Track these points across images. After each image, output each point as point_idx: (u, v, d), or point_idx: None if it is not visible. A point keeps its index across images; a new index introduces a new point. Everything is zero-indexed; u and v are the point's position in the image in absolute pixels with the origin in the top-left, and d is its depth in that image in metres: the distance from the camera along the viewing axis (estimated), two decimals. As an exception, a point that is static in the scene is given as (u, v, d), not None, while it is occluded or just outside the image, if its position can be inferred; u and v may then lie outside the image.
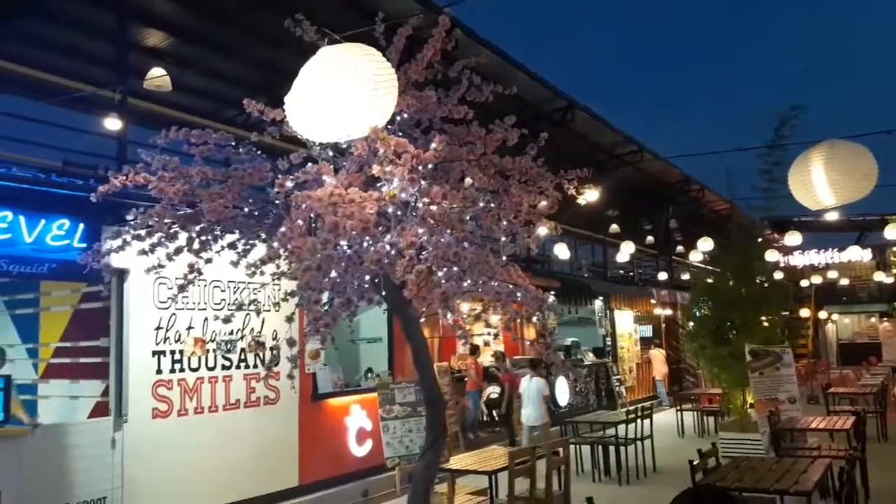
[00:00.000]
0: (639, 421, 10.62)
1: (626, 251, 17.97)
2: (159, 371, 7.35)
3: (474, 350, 12.31)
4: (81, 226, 6.44)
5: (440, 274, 3.53)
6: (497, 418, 12.89)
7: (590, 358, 16.47)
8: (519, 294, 3.73)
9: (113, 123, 7.04)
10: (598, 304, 17.10)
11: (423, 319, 4.48)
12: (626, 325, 18.60)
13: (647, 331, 20.08)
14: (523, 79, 11.46)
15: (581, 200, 8.89)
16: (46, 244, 6.24)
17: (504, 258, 3.68)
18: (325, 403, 9.33)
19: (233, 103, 9.63)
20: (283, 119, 3.66)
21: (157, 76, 6.75)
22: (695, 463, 6.00)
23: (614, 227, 18.77)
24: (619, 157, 16.46)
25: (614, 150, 16.33)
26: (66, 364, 7.70)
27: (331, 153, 3.91)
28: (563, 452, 7.13)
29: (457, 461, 7.38)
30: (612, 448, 9.98)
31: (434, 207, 3.32)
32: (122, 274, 6.98)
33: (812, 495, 5.53)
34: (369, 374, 10.58)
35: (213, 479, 7.72)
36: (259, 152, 4.08)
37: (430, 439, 4.60)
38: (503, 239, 3.69)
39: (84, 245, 6.34)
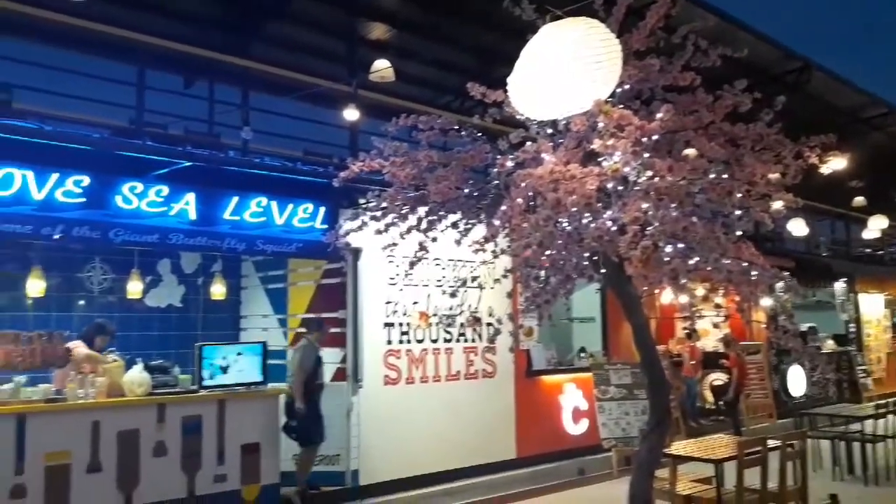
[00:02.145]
0: (890, 416, 9.41)
1: (875, 226, 15.81)
2: (389, 342, 7.94)
3: (691, 334, 11.68)
4: (322, 209, 7.12)
5: (667, 250, 3.39)
6: (724, 406, 12.13)
7: (829, 345, 14.88)
8: (754, 273, 3.47)
9: (350, 114, 7.66)
10: (839, 286, 15.32)
11: (642, 298, 4.36)
12: (875, 309, 16.44)
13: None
14: (750, 40, 10.53)
15: (825, 170, 7.96)
16: (293, 226, 6.99)
17: (736, 234, 3.44)
18: (540, 380, 9.45)
19: (449, 90, 10.01)
20: (503, 101, 3.73)
21: (382, 68, 7.22)
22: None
23: (859, 200, 16.60)
24: (864, 121, 14.55)
25: (859, 114, 14.46)
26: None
27: (549, 131, 3.92)
28: (800, 446, 6.56)
29: (679, 447, 7.08)
30: (856, 445, 8.96)
31: (658, 180, 3.19)
32: (357, 252, 7.63)
33: None
34: (582, 354, 10.51)
35: (436, 445, 8.19)
36: (479, 135, 4.21)
37: (653, 422, 4.48)
38: (736, 213, 3.45)
39: (325, 226, 7.02)
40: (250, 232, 6.75)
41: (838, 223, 17.91)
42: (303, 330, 7.26)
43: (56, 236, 5.73)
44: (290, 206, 6.95)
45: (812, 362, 12.85)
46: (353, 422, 7.60)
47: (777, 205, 3.55)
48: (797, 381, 13.23)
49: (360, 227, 4.64)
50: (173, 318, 9.03)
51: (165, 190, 6.23)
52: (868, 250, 18.53)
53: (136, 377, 6.47)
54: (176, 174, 6.34)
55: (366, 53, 8.07)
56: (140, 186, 6.11)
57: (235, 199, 6.61)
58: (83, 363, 6.62)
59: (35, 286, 7.32)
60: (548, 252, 3.79)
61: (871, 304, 16.34)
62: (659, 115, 3.26)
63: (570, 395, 9.65)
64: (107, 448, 6.03)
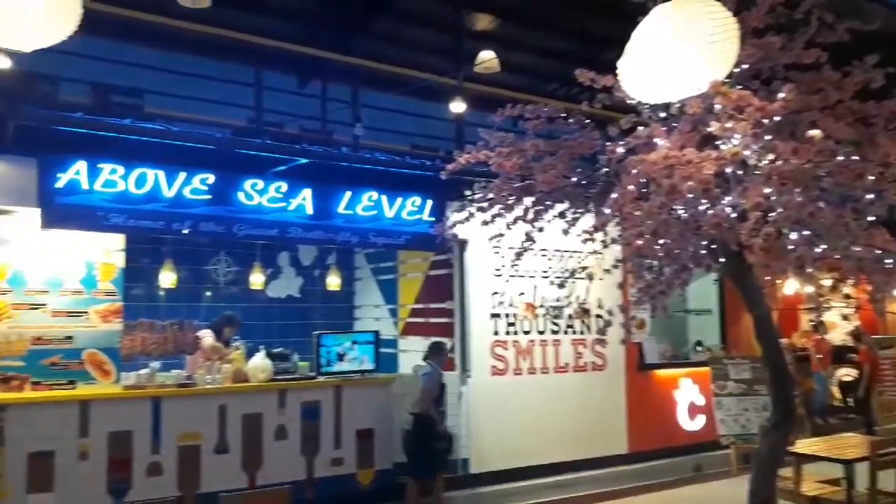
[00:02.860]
0: None
1: None
2: (496, 332, 7.97)
3: (818, 327, 10.98)
4: (430, 202, 7.24)
5: (792, 237, 3.19)
6: (853, 403, 11.34)
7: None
8: (888, 261, 3.21)
9: (456, 107, 7.73)
10: None
11: (764, 289, 4.14)
12: None
13: None
14: (880, 11, 9.70)
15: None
16: (403, 218, 7.15)
17: (868, 219, 3.19)
18: (653, 374, 9.20)
19: (554, 78, 9.86)
20: (613, 86, 3.64)
21: (487, 59, 7.22)
22: None
23: None
24: None
25: None
26: (420, 323, 8.76)
27: (662, 115, 3.79)
28: (946, 449, 6.04)
29: (804, 446, 6.70)
30: None
31: (781, 164, 3.00)
32: (463, 244, 7.71)
33: None
34: (699, 348, 10.12)
35: (545, 437, 8.15)
36: (587, 121, 4.13)
37: (775, 418, 4.24)
38: (867, 197, 3.20)
39: (432, 219, 7.14)
40: (362, 225, 6.97)
41: None
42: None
43: (185, 231, 6.14)
44: (399, 200, 7.11)
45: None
46: (463, 410, 7.69)
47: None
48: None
49: (466, 219, 4.67)
50: (292, 308, 9.48)
51: (284, 186, 6.54)
52: None
53: (259, 364, 6.84)
54: (293, 171, 6.64)
55: (471, 45, 8.09)
56: (261, 183, 6.44)
57: (348, 194, 6.85)
58: (209, 352, 7.08)
59: (167, 278, 7.90)
60: (662, 241, 3.67)
61: None
62: (781, 95, 3.07)
63: (686, 390, 9.35)
64: (233, 430, 6.43)
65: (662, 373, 9.26)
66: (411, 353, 8.83)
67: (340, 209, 6.83)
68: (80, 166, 5.66)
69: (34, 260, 5.82)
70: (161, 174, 5.97)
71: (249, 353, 7.09)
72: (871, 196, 3.20)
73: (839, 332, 12.00)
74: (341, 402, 6.91)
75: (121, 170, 5.82)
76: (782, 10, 3.45)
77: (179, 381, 6.47)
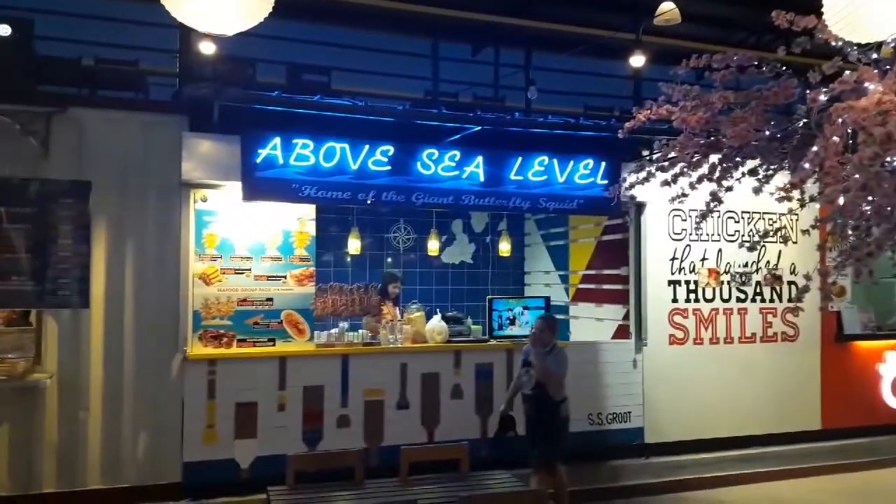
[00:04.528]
0: None
1: None
2: (675, 300, 7.66)
3: None
4: (603, 164, 7.05)
5: None
6: None
7: None
8: None
9: (636, 61, 7.41)
10: None
11: None
12: None
13: None
14: None
15: None
16: (574, 182, 7.03)
17: None
18: (853, 346, 8.44)
19: (741, 26, 9.13)
20: (815, 27, 3.31)
21: (668, 10, 6.83)
22: None
23: None
24: None
25: None
26: (592, 290, 8.64)
27: (874, 56, 3.39)
28: None
29: None
30: None
31: None
32: (640, 207, 7.45)
33: None
34: (911, 318, 9.09)
35: (729, 410, 7.78)
36: (783, 69, 3.80)
37: None
38: None
39: (605, 182, 6.96)
40: (534, 190, 6.95)
41: None
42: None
43: (369, 201, 6.47)
44: (571, 163, 6.97)
45: None
46: (638, 380, 7.51)
47: None
48: None
49: (645, 180, 4.50)
50: (465, 273, 9.75)
51: (458, 155, 6.67)
52: None
53: (437, 326, 7.13)
54: (466, 139, 6.75)
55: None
56: (436, 153, 6.61)
57: (519, 160, 6.84)
58: (386, 315, 7.50)
59: (353, 245, 8.42)
60: (871, 198, 3.32)
61: None
62: None
63: (892, 364, 8.46)
64: (412, 388, 6.78)
65: (864, 344, 8.47)
66: (583, 320, 8.77)
67: (512, 175, 6.84)
68: (276, 142, 6.12)
69: (239, 229, 6.42)
70: (347, 147, 6.31)
71: (427, 316, 7.39)
72: None
73: None
74: (513, 365, 7.02)
75: (311, 144, 6.22)
76: None
77: (365, 340, 6.90)
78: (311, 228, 6.64)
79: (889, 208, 3.46)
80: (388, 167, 6.45)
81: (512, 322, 7.48)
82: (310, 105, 6.20)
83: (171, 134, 6.10)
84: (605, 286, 8.28)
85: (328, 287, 8.19)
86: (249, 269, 6.43)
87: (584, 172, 7.04)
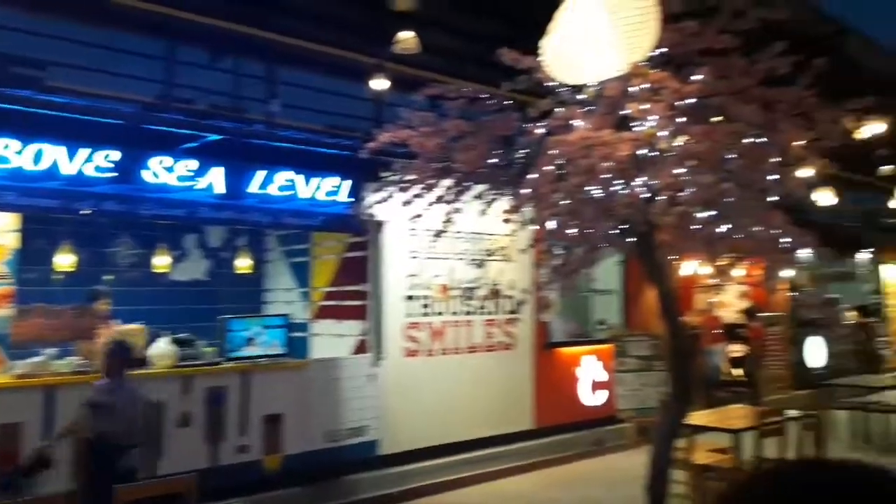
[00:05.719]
0: (910, 387, 9.46)
1: (906, 194, 15.57)
2: (411, 315, 8.00)
3: (712, 305, 11.68)
4: (347, 182, 7.14)
5: (698, 217, 3.39)
6: (743, 377, 12.15)
7: (851, 316, 14.85)
8: (784, 241, 3.48)
9: (378, 84, 7.62)
10: (863, 256, 15.23)
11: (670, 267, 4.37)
12: (898, 280, 16.37)
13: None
14: (784, 3, 10.28)
15: (862, 135, 7.83)
16: (318, 199, 7.01)
17: (770, 200, 3.43)
18: (558, 352, 9.50)
19: (474, 60, 9.90)
20: (534, 67, 3.72)
21: (407, 38, 7.17)
22: None
23: (887, 169, 16.28)
24: (896, 87, 14.27)
25: (892, 79, 14.18)
26: (334, 306, 8.67)
27: (581, 96, 3.91)
28: (819, 417, 6.60)
29: (697, 418, 7.13)
30: (874, 415, 9.00)
31: (693, 145, 3.18)
32: (380, 225, 7.67)
33: None
34: (601, 326, 10.56)
35: (457, 417, 8.27)
36: (508, 103, 4.21)
37: (676, 391, 4.51)
38: (769, 179, 3.44)
39: (349, 200, 7.06)
40: (276, 206, 6.81)
41: (864, 193, 17.67)
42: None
43: (85, 211, 5.80)
44: (316, 180, 6.96)
45: (835, 333, 12.83)
46: (375, 393, 7.69)
47: (809, 172, 3.54)
48: (817, 352, 13.23)
49: (385, 200, 4.67)
50: (199, 291, 9.16)
51: (194, 164, 6.27)
52: (893, 220, 18.28)
53: (163, 349, 6.59)
54: (204, 148, 6.38)
55: (391, 24, 8.03)
56: (169, 161, 6.15)
57: (262, 173, 6.65)
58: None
59: (65, 260, 7.43)
60: (576, 221, 3.80)
61: (894, 275, 16.25)
62: (697, 77, 3.24)
63: (588, 367, 9.71)
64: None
65: (567, 350, 9.56)
66: (325, 337, 8.75)
67: (253, 189, 6.63)
68: (-34, 139, 5.24)
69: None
70: (61, 150, 5.60)
71: (152, 339, 6.81)
72: (772, 178, 3.43)
73: (731, 309, 12.81)
74: (250, 387, 6.77)
75: (16, 145, 5.41)
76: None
77: (75, 368, 6.14)
78: (11, 241, 5.76)
79: (590, 231, 4.00)
80: (112, 174, 5.84)
81: (249, 343, 7.21)
82: (14, 100, 5.40)
83: None
84: (347, 302, 8.36)
85: (31, 308, 7.10)
86: (-74, 288, 5.37)
87: (329, 189, 7.07)
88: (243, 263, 8.97)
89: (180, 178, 6.20)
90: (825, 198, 11.98)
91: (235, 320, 7.28)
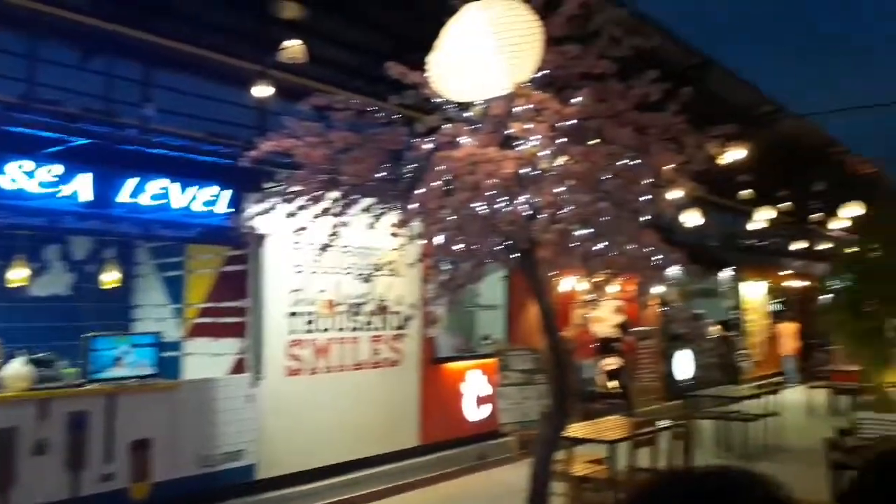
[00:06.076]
0: (765, 397, 10.23)
1: (760, 218, 16.96)
2: (294, 331, 7.77)
3: (586, 320, 12.16)
4: (226, 193, 6.85)
5: (576, 234, 3.51)
6: (617, 389, 12.70)
7: (715, 330, 15.93)
8: (656, 258, 3.66)
9: (261, 91, 7.38)
10: (725, 274, 16.42)
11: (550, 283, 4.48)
12: (756, 296, 17.76)
13: (778, 303, 19.08)
14: (655, 33, 10.88)
15: (725, 160, 8.47)
16: (194, 210, 6.69)
17: (642, 219, 3.60)
18: (444, 367, 9.55)
19: (363, 74, 9.86)
20: (422, 83, 3.73)
21: (293, 47, 7.01)
22: (833, 441, 5.70)
23: (747, 193, 17.72)
24: (755, 118, 15.53)
25: (750, 111, 15.43)
26: (210, 324, 8.28)
27: (467, 114, 3.95)
28: (686, 426, 6.98)
29: (575, 430, 7.35)
30: (735, 424, 9.66)
31: (572, 165, 3.29)
32: (261, 238, 7.40)
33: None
34: (485, 341, 10.72)
35: (339, 436, 8.09)
36: (396, 117, 4.19)
37: (556, 403, 4.61)
38: (643, 198, 3.61)
39: (228, 211, 6.77)
40: (148, 216, 6.42)
41: (726, 215, 19.09)
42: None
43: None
44: (193, 189, 6.64)
45: (700, 346, 13.70)
46: (253, 415, 7.39)
47: (678, 193, 3.76)
48: (685, 364, 14.07)
49: (267, 211, 4.51)
50: (61, 307, 8.47)
51: (59, 169, 5.80)
52: (752, 241, 19.87)
53: (17, 371, 6.04)
54: (70, 153, 5.92)
55: (277, 32, 7.83)
56: (30, 165, 5.66)
57: (133, 181, 6.25)
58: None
59: None
60: (462, 237, 3.83)
61: (753, 292, 17.61)
62: (577, 100, 3.36)
63: (473, 382, 9.81)
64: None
65: (453, 365, 9.62)
66: (199, 356, 8.33)
67: (122, 197, 6.21)
68: None
69: None
70: None
71: (6, 360, 6.23)
72: (644, 199, 3.60)
73: (607, 324, 13.39)
74: (116, 411, 6.32)
75: None
76: (578, 22, 3.77)
77: None
78: None
79: (476, 247, 4.03)
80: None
81: (116, 363, 6.73)
82: None
83: None
84: (224, 319, 8.01)
85: None
86: None
87: (206, 199, 6.75)
88: (110, 277, 8.41)
89: (42, 185, 5.72)
90: (692, 218, 12.92)
91: (101, 339, 6.78)
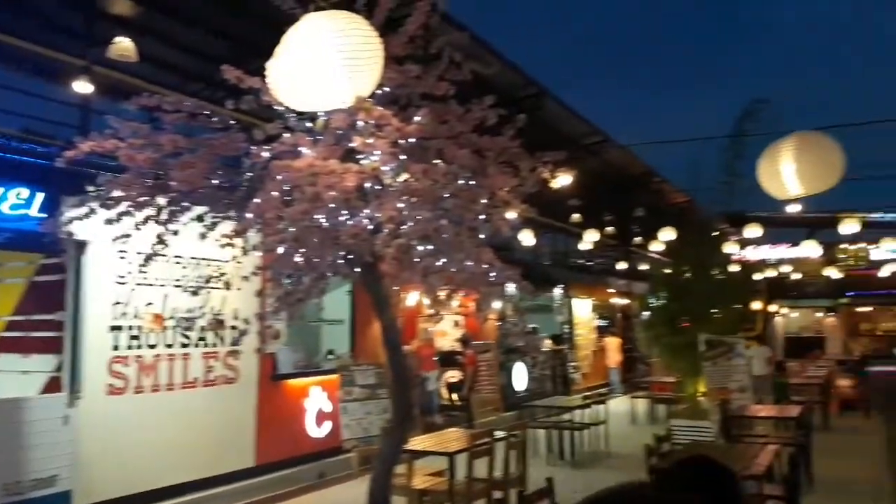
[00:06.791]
0: (593, 406, 10.89)
1: (588, 240, 18.22)
2: (116, 347, 7.20)
3: (427, 334, 12.35)
4: (40, 195, 6.24)
5: (418, 250, 3.53)
6: (458, 401, 12.97)
7: (547, 344, 16.74)
8: (493, 275, 3.76)
9: (82, 87, 6.79)
10: (557, 291, 17.35)
11: (393, 298, 4.48)
12: (584, 312, 18.92)
13: (604, 319, 20.48)
14: (495, 62, 11.38)
15: (554, 185, 8.97)
16: (2, 213, 6.03)
17: (480, 237, 3.70)
18: (285, 384, 9.27)
19: (198, 77, 9.40)
20: (260, 89, 3.60)
21: (123, 45, 6.53)
22: (651, 447, 6.15)
23: (576, 217, 18.99)
24: (584, 147, 16.66)
25: (580, 140, 16.52)
26: (18, 338, 7.45)
27: (309, 124, 3.87)
28: (521, 436, 7.24)
29: (415, 443, 7.40)
30: (566, 432, 10.17)
31: (413, 182, 3.32)
32: (81, 246, 6.80)
33: (763, 478, 5.74)
34: (330, 356, 10.54)
35: (168, 459, 7.61)
36: (233, 123, 4.01)
37: (397, 418, 4.61)
38: (480, 218, 3.71)
39: (43, 215, 6.16)
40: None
41: (558, 236, 20.28)
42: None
43: None
44: (0, 190, 5.98)
45: (535, 359, 14.34)
46: (69, 438, 6.73)
47: (513, 214, 3.90)
48: (520, 376, 14.66)
49: (87, 215, 4.14)
50: None
51: None
52: (581, 261, 21.24)
53: None
54: None
55: (106, 28, 7.26)
56: None
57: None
58: None
59: None
60: (303, 249, 3.73)
61: (582, 308, 18.76)
62: (417, 119, 3.39)
63: (315, 398, 9.61)
64: None
65: (294, 382, 9.38)
66: (6, 374, 7.46)
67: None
68: None
69: None
70: None
71: None
72: (482, 218, 3.71)
73: (448, 338, 13.67)
74: None
75: None
76: (419, 43, 3.82)
77: None
78: None
79: (317, 260, 3.94)
80: None
81: None
82: None
83: None
84: (36, 334, 7.24)
85: None
86: None
87: (15, 202, 6.11)
88: None
89: None
90: (527, 238, 13.62)
91: None
